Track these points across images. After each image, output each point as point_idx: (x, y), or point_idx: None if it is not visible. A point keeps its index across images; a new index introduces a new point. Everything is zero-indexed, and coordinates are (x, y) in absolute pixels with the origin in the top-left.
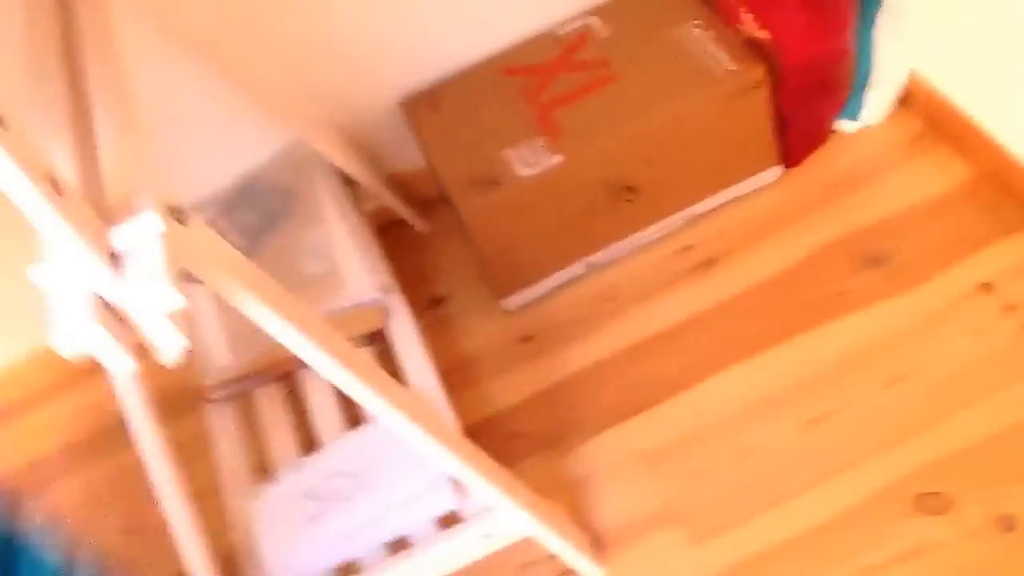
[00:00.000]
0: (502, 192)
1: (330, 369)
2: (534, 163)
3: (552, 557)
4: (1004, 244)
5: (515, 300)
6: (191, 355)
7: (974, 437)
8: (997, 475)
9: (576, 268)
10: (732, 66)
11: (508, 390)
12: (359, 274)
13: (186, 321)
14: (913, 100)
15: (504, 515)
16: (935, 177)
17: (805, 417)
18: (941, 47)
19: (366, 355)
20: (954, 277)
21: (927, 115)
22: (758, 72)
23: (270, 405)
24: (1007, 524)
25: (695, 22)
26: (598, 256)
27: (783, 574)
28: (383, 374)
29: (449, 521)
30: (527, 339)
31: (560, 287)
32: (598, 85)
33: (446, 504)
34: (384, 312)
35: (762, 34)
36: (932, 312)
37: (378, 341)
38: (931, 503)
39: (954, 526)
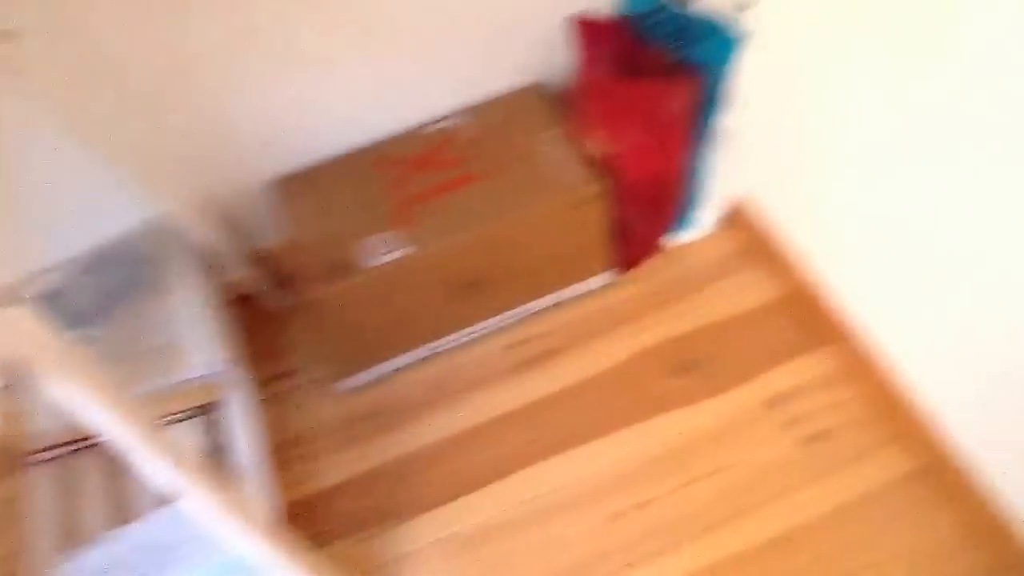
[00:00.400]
0: (352, 278)
1: (129, 448)
2: (385, 253)
3: None
4: (802, 360)
5: (357, 380)
6: (12, 417)
7: (752, 540)
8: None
9: (418, 353)
10: (578, 177)
11: (338, 468)
12: (201, 347)
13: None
14: (739, 219)
15: None
16: (752, 291)
17: (610, 511)
18: (763, 173)
19: (169, 435)
20: (754, 388)
21: (750, 234)
22: (600, 185)
23: (90, 472)
24: None
25: (550, 133)
26: (439, 343)
27: None
28: (185, 455)
29: None
30: (364, 419)
31: (401, 370)
32: (457, 184)
33: None
34: (222, 385)
35: (608, 150)
36: (731, 420)
37: (214, 413)
38: None
39: None
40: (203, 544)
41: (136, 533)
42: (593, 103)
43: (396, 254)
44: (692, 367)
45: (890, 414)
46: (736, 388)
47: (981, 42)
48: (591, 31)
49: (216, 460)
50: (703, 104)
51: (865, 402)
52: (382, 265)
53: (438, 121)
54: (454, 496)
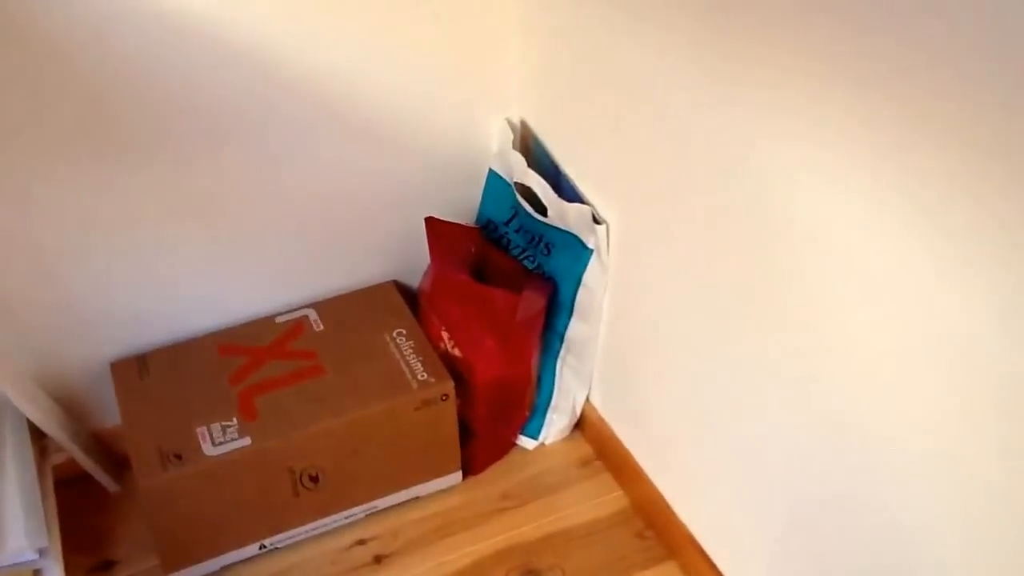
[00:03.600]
0: (183, 468)
1: None
2: (221, 443)
3: None
4: (643, 574)
5: (188, 575)
6: None
7: None
8: None
9: (250, 549)
10: (425, 377)
11: None
12: (16, 534)
13: None
14: (586, 427)
15: None
16: (597, 501)
17: None
18: (606, 385)
19: None
20: None
21: (596, 443)
22: (447, 386)
23: None
24: None
25: (400, 331)
26: (274, 539)
27: None
28: None
29: None
30: None
31: (231, 566)
32: (303, 377)
33: None
34: (35, 574)
35: (456, 352)
36: None
37: None
38: None
39: None
40: None
41: None
42: (444, 304)
43: (235, 444)
44: None
45: None
46: None
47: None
48: (445, 231)
49: None
50: (554, 311)
51: None
52: (219, 455)
53: (291, 311)
54: None
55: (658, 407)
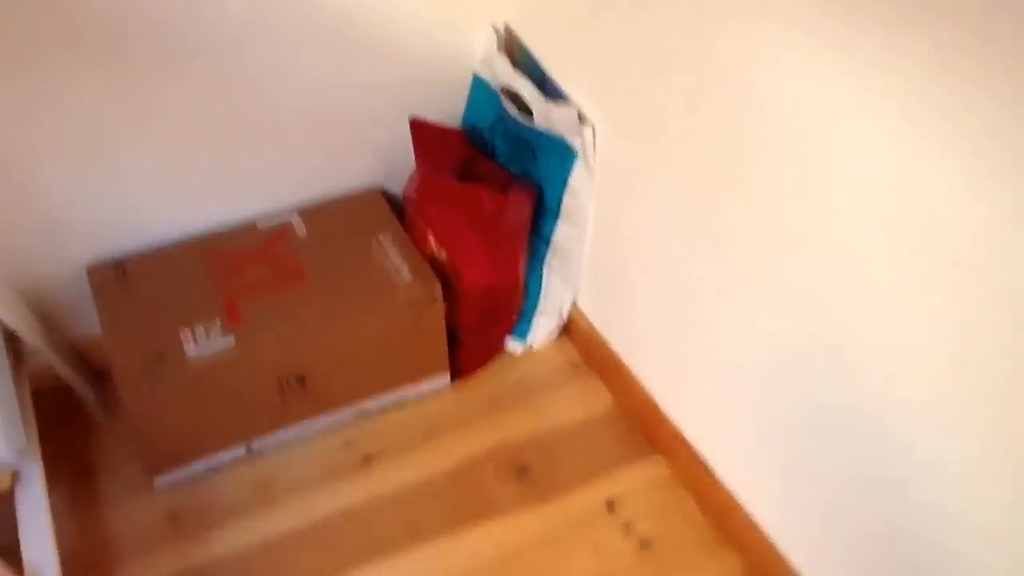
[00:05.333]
0: (167, 370)
1: None
2: (205, 345)
3: None
4: (631, 468)
5: (169, 478)
6: None
7: None
8: None
9: (236, 451)
10: (412, 280)
11: (144, 570)
12: None
13: None
14: (573, 331)
15: None
16: (584, 401)
17: None
18: (593, 288)
19: None
20: (584, 495)
21: (583, 346)
22: (434, 289)
23: None
24: None
25: (386, 235)
26: (261, 442)
27: None
28: None
29: None
30: (174, 518)
31: (217, 469)
32: (287, 281)
33: None
34: (14, 476)
35: (443, 256)
36: (562, 525)
37: (6, 505)
38: None
39: None
40: None
41: None
42: (431, 208)
43: (219, 345)
44: (524, 473)
45: (715, 523)
46: (567, 494)
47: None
48: (430, 135)
49: (4, 559)
50: (540, 216)
51: (691, 512)
52: (203, 357)
53: (275, 217)
54: None
55: (645, 306)
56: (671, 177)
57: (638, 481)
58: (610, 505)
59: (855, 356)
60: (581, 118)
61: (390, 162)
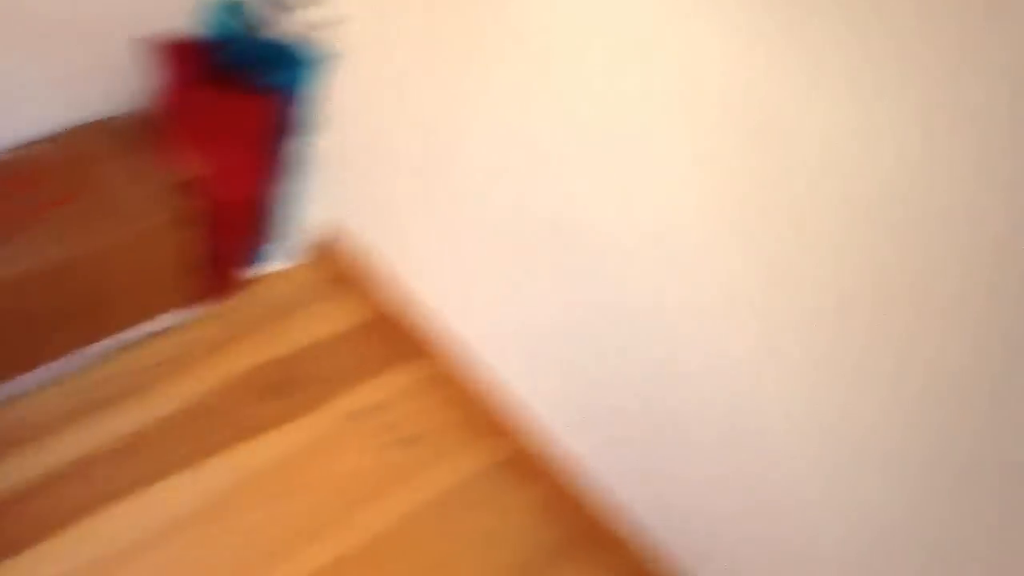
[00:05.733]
0: None
1: None
2: None
3: None
4: (393, 373)
5: None
6: None
7: (354, 544)
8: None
9: None
10: (155, 202)
11: None
12: None
13: None
14: (329, 246)
15: None
16: (337, 315)
17: (213, 529)
18: (352, 199)
19: None
20: (346, 401)
21: (336, 261)
22: (179, 210)
23: None
24: None
25: (126, 158)
26: (13, 385)
27: None
28: None
29: None
30: None
31: None
32: (27, 213)
33: None
34: None
35: (193, 173)
36: (327, 433)
37: None
38: None
39: None
40: None
41: None
42: (177, 122)
43: None
44: (283, 391)
45: (477, 414)
46: (327, 405)
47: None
48: (174, 51)
49: None
50: (287, 128)
51: (453, 406)
52: None
53: (15, 149)
54: (38, 541)
55: (406, 210)
56: (415, 70)
57: (400, 384)
58: (367, 411)
59: (593, 229)
60: (327, 21)
61: (126, 86)
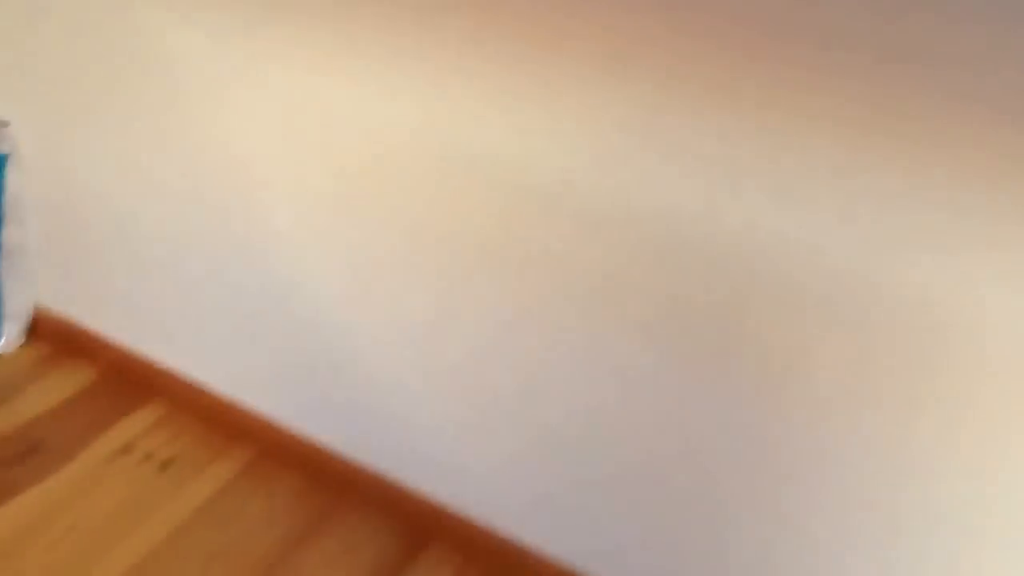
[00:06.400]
0: None
1: None
2: None
3: None
4: (135, 415)
5: None
6: None
7: (141, 553)
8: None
9: None
10: None
11: None
12: None
13: None
14: (40, 326)
15: None
16: (68, 381)
17: None
18: (54, 278)
19: None
20: (98, 448)
21: (53, 336)
22: None
23: None
24: None
25: None
26: None
27: None
28: None
29: None
30: None
31: None
32: None
33: None
34: None
35: None
36: (84, 479)
37: None
38: None
39: None
40: None
41: None
42: None
43: None
44: (30, 454)
45: (215, 426)
46: (80, 454)
47: None
48: None
49: None
50: None
51: (198, 425)
52: None
53: None
54: None
55: (100, 269)
56: (93, 135)
57: (145, 422)
58: (126, 448)
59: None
60: (2, 123)
61: None
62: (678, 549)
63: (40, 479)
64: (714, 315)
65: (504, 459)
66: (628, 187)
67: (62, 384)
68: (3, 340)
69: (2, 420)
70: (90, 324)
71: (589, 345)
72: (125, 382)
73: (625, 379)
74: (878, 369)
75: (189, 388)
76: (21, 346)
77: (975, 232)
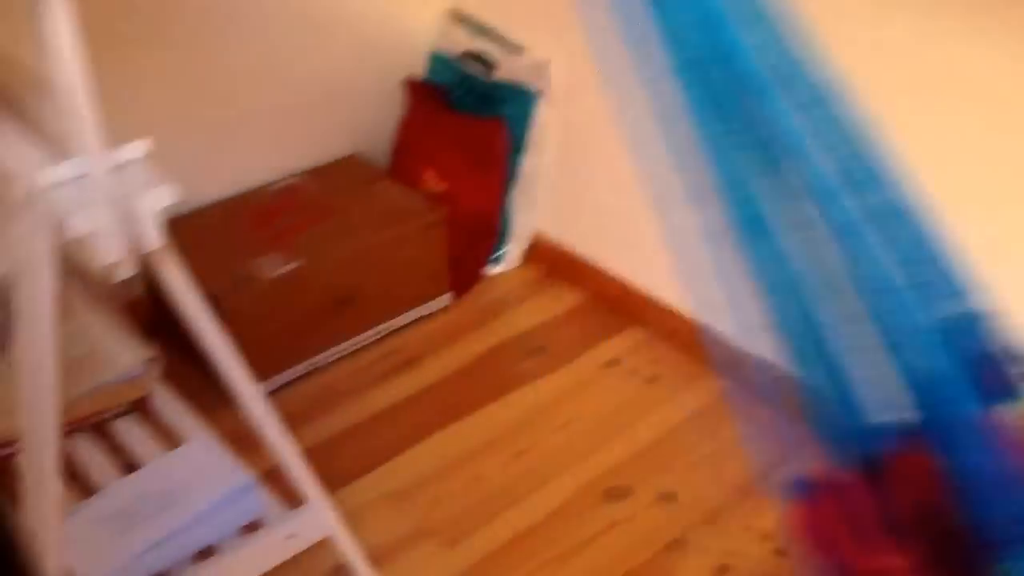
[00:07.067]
0: (256, 287)
1: None
2: (279, 268)
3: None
4: (617, 337)
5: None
6: None
7: (633, 449)
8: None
9: (298, 369)
10: (422, 207)
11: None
12: (117, 354)
13: None
14: (537, 250)
15: (311, 515)
16: (558, 301)
17: (508, 453)
18: (555, 207)
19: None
20: (588, 358)
21: (548, 261)
22: (441, 212)
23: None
24: (669, 498)
25: (382, 183)
26: (316, 359)
27: (514, 562)
28: None
29: (254, 529)
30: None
31: (286, 384)
32: (315, 221)
33: (250, 510)
34: (147, 383)
35: (441, 188)
36: (579, 381)
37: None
38: (613, 493)
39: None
40: (205, 481)
41: (136, 482)
42: (427, 143)
43: (290, 268)
44: (535, 353)
45: (696, 356)
46: (574, 362)
47: None
48: (418, 88)
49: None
50: (510, 152)
51: (678, 352)
52: (279, 276)
53: (279, 181)
54: (372, 467)
55: (608, 207)
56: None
57: (626, 343)
58: (612, 362)
59: None
60: (538, 62)
61: (362, 133)
62: None
63: (543, 375)
64: None
65: None
66: None
67: (554, 303)
68: (509, 257)
69: (508, 325)
70: (581, 252)
71: None
72: (609, 306)
73: None
74: None
75: (674, 317)
76: (518, 266)
77: None
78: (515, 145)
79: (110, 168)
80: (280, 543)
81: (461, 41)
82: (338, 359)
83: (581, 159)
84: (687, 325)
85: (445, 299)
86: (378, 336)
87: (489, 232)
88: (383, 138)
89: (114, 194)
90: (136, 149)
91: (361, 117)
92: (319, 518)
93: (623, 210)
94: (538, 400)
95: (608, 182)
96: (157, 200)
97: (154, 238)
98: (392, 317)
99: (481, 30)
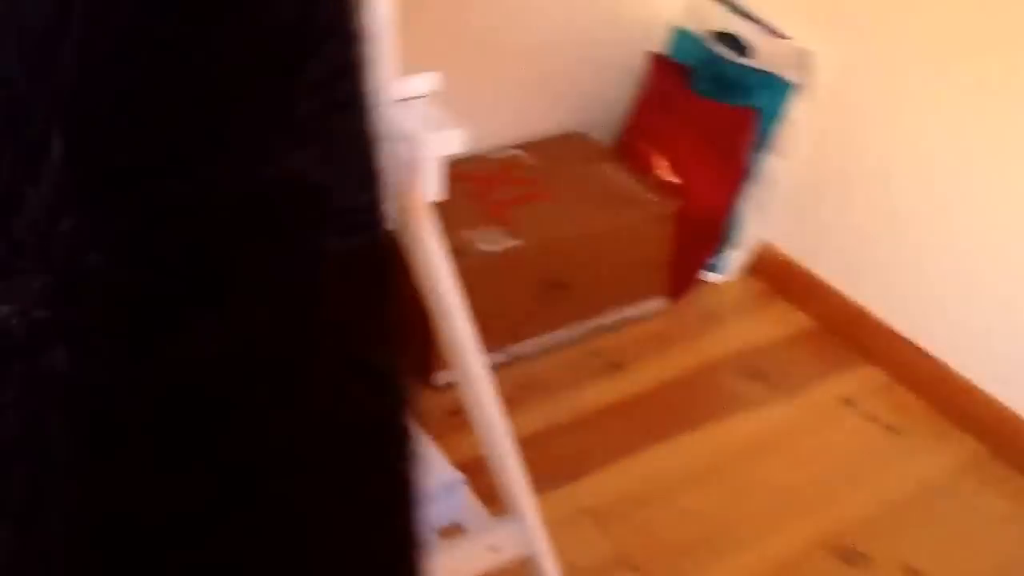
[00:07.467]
0: (466, 261)
1: None
2: (494, 243)
3: None
4: (852, 372)
5: (446, 376)
6: None
7: (873, 507)
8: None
9: (499, 356)
10: (651, 196)
11: (452, 452)
12: None
13: None
14: (760, 261)
15: (518, 528)
16: (784, 323)
17: (727, 488)
18: (793, 218)
19: None
20: (820, 393)
21: (774, 276)
22: (672, 204)
23: None
24: (914, 572)
25: (608, 164)
26: (516, 348)
27: None
28: None
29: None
30: (455, 413)
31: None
32: (534, 197)
33: (452, 512)
34: None
35: (673, 179)
36: (809, 416)
37: None
38: (850, 556)
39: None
40: None
41: None
42: (661, 126)
43: (505, 245)
44: (757, 376)
45: (949, 406)
46: (804, 393)
47: None
48: (661, 65)
49: None
50: (755, 145)
51: (922, 399)
52: (491, 251)
53: (500, 151)
54: (571, 479)
55: (861, 230)
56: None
57: (861, 381)
58: (846, 401)
59: None
60: (800, 51)
61: (590, 108)
62: None
63: (765, 403)
64: None
65: None
66: None
67: (777, 324)
68: (731, 265)
69: (725, 341)
70: (816, 271)
71: None
72: (843, 337)
73: None
74: None
75: (927, 361)
76: (739, 277)
77: None
78: (760, 141)
79: (395, 100)
80: (479, 554)
81: (712, 18)
82: (540, 352)
83: (837, 169)
84: (940, 372)
85: (659, 302)
86: (584, 332)
87: (714, 233)
88: (611, 116)
89: (396, 131)
90: (423, 83)
91: (591, 91)
92: (528, 534)
93: (882, 237)
94: (760, 431)
95: (867, 202)
96: (443, 144)
97: (433, 188)
98: (601, 313)
99: (737, 8)
